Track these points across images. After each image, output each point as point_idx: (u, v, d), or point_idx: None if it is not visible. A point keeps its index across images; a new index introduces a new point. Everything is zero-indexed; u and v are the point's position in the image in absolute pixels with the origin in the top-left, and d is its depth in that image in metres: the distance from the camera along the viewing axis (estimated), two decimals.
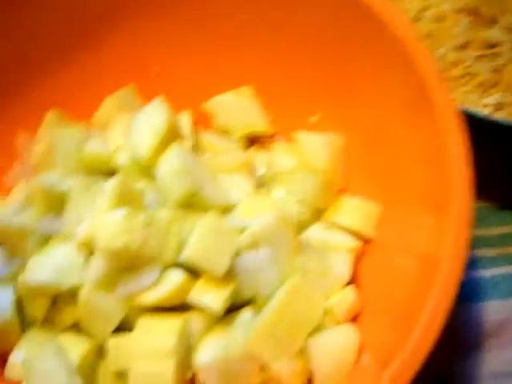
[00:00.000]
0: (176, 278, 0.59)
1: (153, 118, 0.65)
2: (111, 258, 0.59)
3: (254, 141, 0.75)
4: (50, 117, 0.73)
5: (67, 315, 0.63)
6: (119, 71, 0.74)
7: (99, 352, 0.62)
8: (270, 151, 0.74)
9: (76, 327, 0.64)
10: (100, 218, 0.59)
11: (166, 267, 0.60)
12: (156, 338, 0.58)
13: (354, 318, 0.63)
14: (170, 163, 0.63)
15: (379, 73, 0.65)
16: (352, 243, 0.65)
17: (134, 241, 0.57)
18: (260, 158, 0.72)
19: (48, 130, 0.72)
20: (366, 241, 0.66)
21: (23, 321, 0.63)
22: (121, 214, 0.58)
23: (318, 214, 0.67)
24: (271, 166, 0.71)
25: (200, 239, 0.58)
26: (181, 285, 0.59)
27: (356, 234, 0.66)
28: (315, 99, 0.71)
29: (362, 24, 0.63)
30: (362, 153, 0.68)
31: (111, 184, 0.61)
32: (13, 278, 0.65)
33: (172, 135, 0.64)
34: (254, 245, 0.60)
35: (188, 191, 0.62)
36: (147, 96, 0.73)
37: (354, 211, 0.66)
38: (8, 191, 0.72)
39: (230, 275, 0.59)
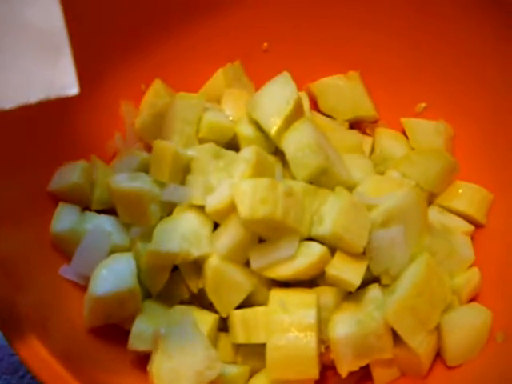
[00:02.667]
0: (317, 250, 0.58)
1: (281, 92, 0.64)
2: (250, 227, 0.57)
3: (352, 125, 0.75)
4: (156, 87, 0.71)
5: (184, 288, 0.62)
6: (226, 47, 0.73)
7: (220, 325, 0.61)
8: (373, 136, 0.74)
9: (191, 300, 0.62)
10: (239, 187, 0.57)
11: (301, 240, 0.59)
12: (296, 312, 0.57)
13: (473, 298, 0.64)
14: (301, 138, 0.62)
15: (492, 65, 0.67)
16: (467, 227, 0.67)
17: (277, 211, 0.56)
18: (364, 142, 0.73)
19: (154, 98, 0.70)
20: (477, 226, 0.67)
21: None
22: (264, 183, 0.57)
23: (430, 199, 0.68)
24: (379, 150, 0.72)
25: (340, 213, 0.58)
26: (321, 257, 0.58)
27: (470, 219, 0.67)
28: (420, 88, 0.72)
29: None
30: (470, 141, 0.70)
31: (249, 153, 0.59)
32: (131, 248, 0.63)
33: (297, 112, 0.64)
34: (387, 222, 0.60)
35: (321, 166, 0.61)
36: (253, 73, 0.72)
37: (469, 197, 0.67)
38: (109, 159, 0.69)
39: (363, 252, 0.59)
